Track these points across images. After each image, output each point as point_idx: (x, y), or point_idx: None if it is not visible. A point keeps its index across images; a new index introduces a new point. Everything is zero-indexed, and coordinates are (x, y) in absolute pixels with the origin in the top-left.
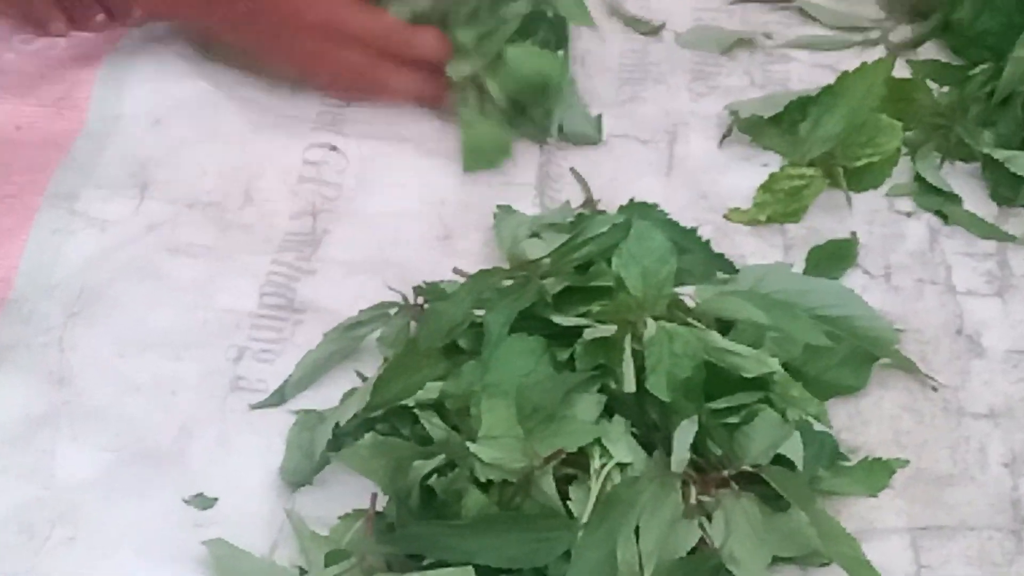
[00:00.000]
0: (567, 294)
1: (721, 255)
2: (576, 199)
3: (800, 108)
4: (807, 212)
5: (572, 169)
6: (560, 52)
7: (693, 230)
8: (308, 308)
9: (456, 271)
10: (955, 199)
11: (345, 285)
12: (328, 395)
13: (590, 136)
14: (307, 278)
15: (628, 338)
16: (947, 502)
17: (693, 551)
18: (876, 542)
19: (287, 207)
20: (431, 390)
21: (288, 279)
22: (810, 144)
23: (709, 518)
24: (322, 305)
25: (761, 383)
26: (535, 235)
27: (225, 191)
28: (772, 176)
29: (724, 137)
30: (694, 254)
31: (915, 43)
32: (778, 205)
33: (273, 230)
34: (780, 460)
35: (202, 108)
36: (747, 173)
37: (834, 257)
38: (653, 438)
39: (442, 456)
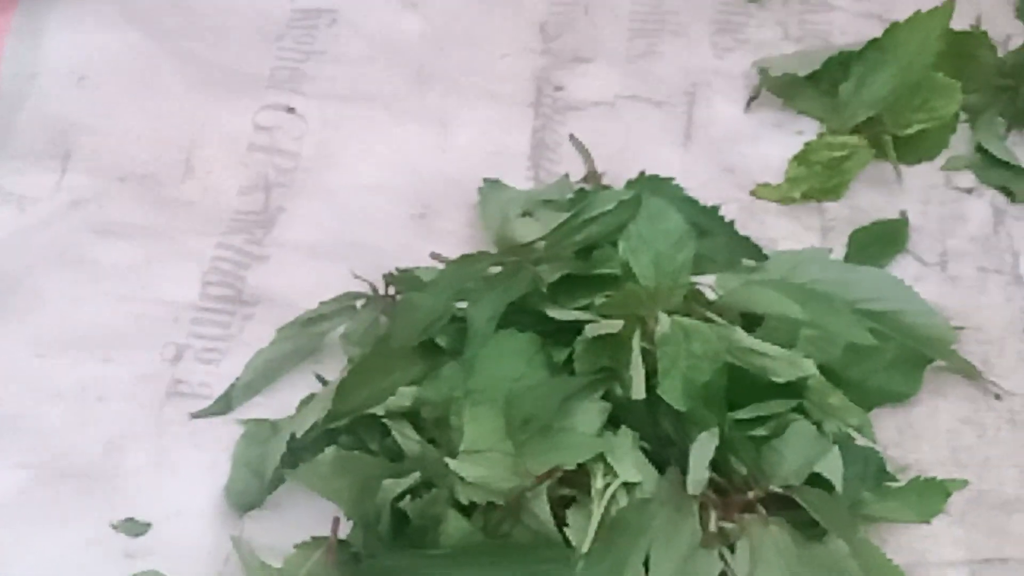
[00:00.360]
0: (565, 283)
1: (747, 238)
2: (577, 171)
3: (842, 65)
4: (849, 188)
5: (572, 136)
6: None
7: (715, 209)
8: (259, 299)
9: (434, 256)
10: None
11: (303, 272)
12: (283, 402)
13: None
14: (258, 264)
15: (637, 336)
16: (1013, 531)
17: None
18: None
19: (235, 180)
20: (404, 396)
21: (236, 265)
22: (853, 108)
23: (732, 548)
24: (276, 296)
25: (794, 389)
26: (528, 214)
27: (162, 161)
28: (808, 145)
29: (752, 99)
30: (716, 237)
31: None
32: (815, 180)
33: (219, 208)
34: (816, 480)
35: (134, 62)
36: (779, 142)
37: (881, 241)
38: (666, 453)
39: (417, 474)
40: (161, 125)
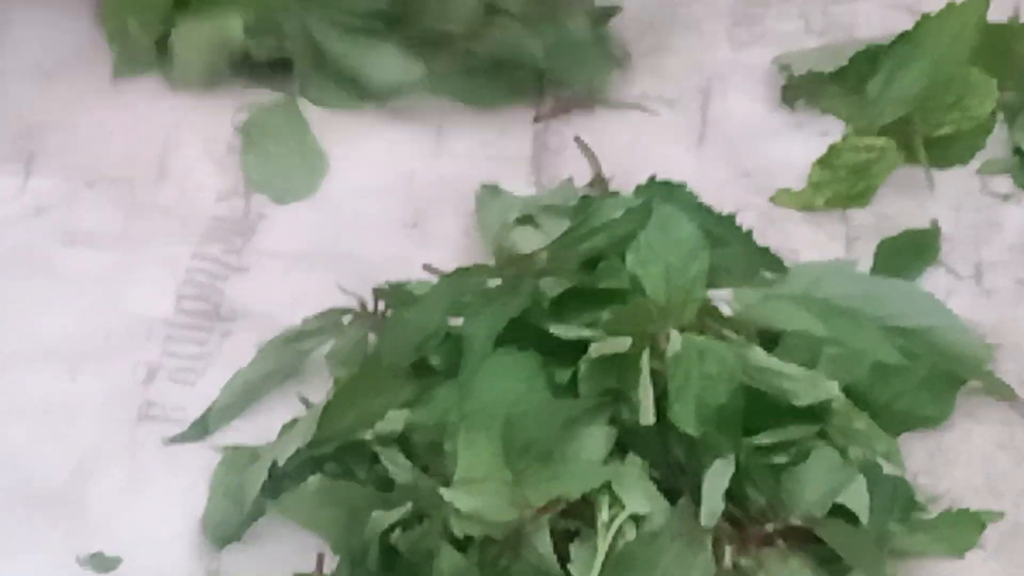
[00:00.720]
0: (569, 298)
1: (767, 249)
2: (582, 176)
3: (869, 61)
4: (876, 194)
5: (577, 138)
6: None
7: (732, 217)
8: (238, 314)
9: (427, 268)
10: None
11: (285, 285)
12: (263, 426)
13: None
14: (237, 276)
15: (646, 355)
16: None
17: None
18: None
19: (213, 184)
20: (394, 420)
21: (213, 277)
22: (881, 107)
23: None
24: (256, 310)
25: (816, 413)
26: (529, 222)
27: (134, 164)
28: (832, 148)
29: (784, 97)
30: (732, 247)
31: None
32: (840, 185)
33: (195, 214)
34: (840, 511)
35: (105, 57)
36: (801, 143)
37: (911, 252)
38: (677, 483)
39: (408, 505)
40: (134, 124)
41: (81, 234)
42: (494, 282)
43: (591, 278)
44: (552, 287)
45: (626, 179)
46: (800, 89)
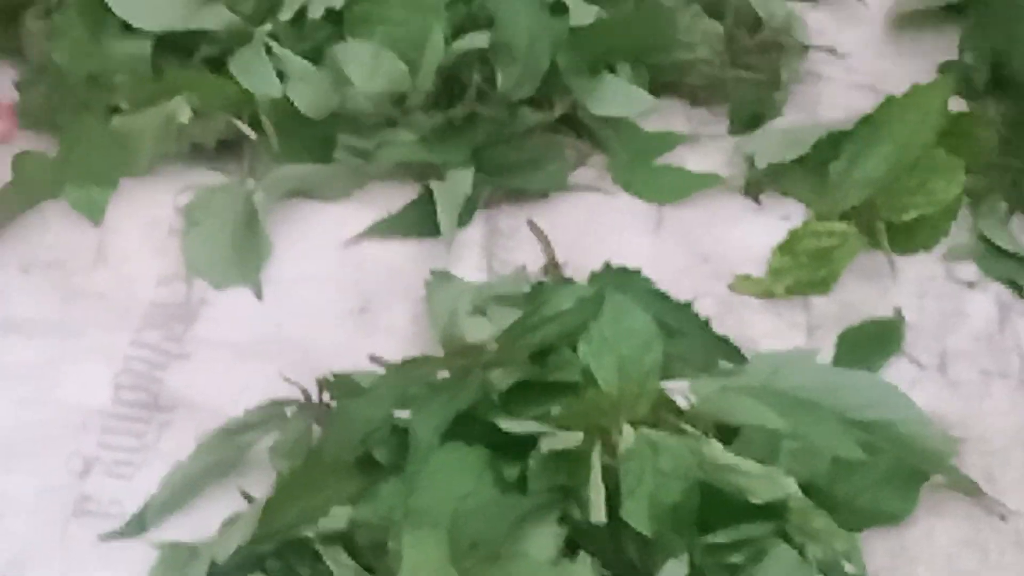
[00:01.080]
0: (519, 391)
1: (725, 338)
2: (535, 259)
3: (832, 144)
4: (838, 281)
5: (530, 222)
6: None
7: (688, 305)
8: (178, 405)
9: (374, 359)
10: None
11: (228, 374)
12: (203, 522)
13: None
14: (177, 364)
15: (598, 450)
16: None
17: None
18: None
19: (153, 269)
20: (338, 517)
21: (152, 366)
22: (844, 190)
23: None
24: (197, 401)
25: (774, 510)
26: (479, 311)
27: (71, 248)
28: (793, 233)
29: (748, 190)
30: (689, 337)
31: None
32: (801, 271)
33: (134, 300)
34: None
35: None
36: (761, 227)
37: (873, 341)
38: None
39: None
40: (70, 207)
41: (15, 321)
42: (442, 374)
43: (542, 370)
44: (502, 379)
45: (581, 264)
46: (763, 181)
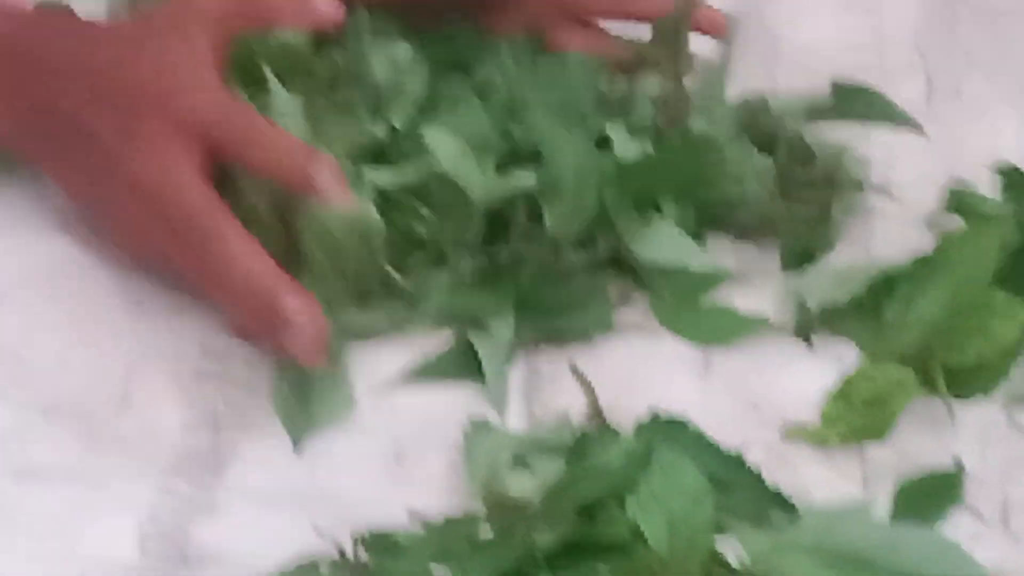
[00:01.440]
0: (565, 550)
1: (777, 490)
2: (577, 406)
3: (887, 284)
4: (894, 428)
5: (572, 366)
6: None
7: (740, 457)
8: (206, 559)
9: (412, 514)
10: None
11: (259, 526)
12: None
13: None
14: (206, 516)
15: None
16: None
17: None
18: None
19: (179, 414)
20: None
21: (179, 516)
22: (900, 333)
23: None
24: (226, 555)
25: None
26: (520, 461)
27: (94, 392)
28: (848, 380)
29: (798, 331)
30: (740, 490)
31: None
32: (855, 418)
33: (159, 446)
34: None
35: (63, 277)
36: (813, 371)
37: (932, 494)
38: None
39: None
40: (94, 349)
41: (34, 468)
42: (484, 530)
43: (589, 528)
44: (547, 538)
45: (626, 407)
46: (814, 322)
